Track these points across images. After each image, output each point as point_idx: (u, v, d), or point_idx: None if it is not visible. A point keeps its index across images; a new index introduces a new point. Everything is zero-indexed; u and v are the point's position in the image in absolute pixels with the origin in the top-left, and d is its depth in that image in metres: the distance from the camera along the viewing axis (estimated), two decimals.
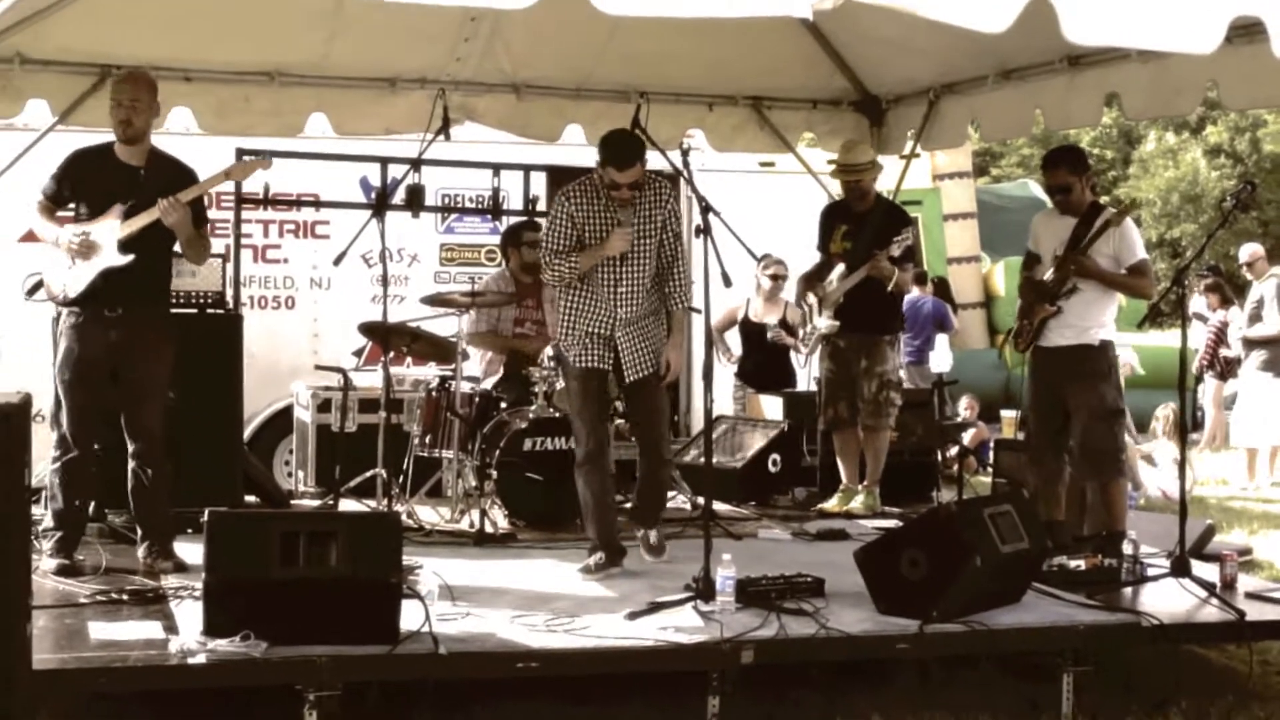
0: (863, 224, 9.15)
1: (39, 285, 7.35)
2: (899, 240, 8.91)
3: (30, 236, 7.68)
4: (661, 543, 7.49)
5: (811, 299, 9.35)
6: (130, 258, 6.92)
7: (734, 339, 11.73)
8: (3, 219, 10.06)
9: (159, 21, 8.06)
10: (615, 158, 7.05)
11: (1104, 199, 8.16)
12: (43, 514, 7.06)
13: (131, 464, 7.10)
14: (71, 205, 7.11)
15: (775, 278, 11.38)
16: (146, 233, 6.93)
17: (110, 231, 6.90)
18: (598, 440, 7.28)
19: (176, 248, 7.18)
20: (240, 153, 8.13)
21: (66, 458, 6.97)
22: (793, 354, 11.43)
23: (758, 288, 11.43)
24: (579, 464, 7.30)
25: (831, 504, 9.34)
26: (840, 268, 9.15)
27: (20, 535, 5.02)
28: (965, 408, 14.33)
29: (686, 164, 7.22)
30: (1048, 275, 7.90)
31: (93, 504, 7.62)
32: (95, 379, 6.99)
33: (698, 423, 11.09)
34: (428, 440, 8.67)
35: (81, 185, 7.05)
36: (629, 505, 7.72)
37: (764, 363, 11.47)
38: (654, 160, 7.68)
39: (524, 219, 9.65)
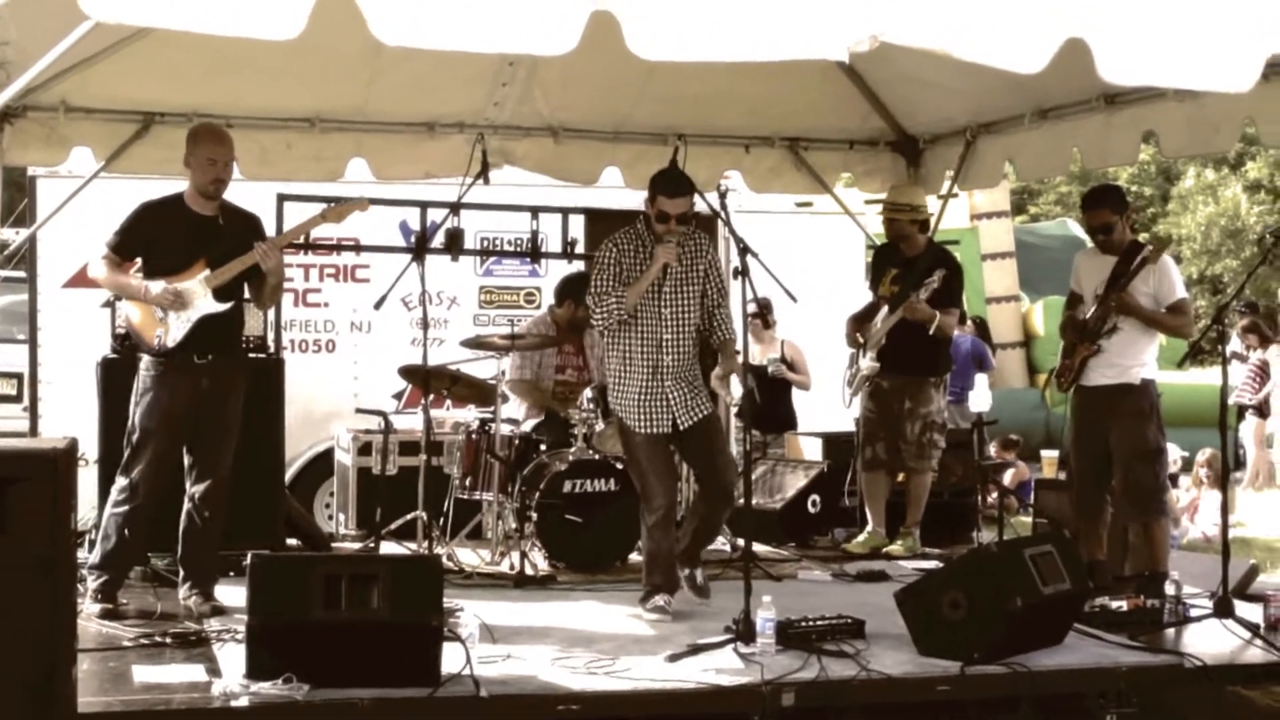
0: (910, 268, 9.15)
1: (128, 335, 7.41)
2: (927, 283, 8.90)
3: (81, 282, 7.72)
4: (706, 583, 7.47)
5: (859, 339, 9.34)
6: (229, 304, 7.04)
7: (734, 384, 11.62)
8: (48, 265, 10.20)
9: (201, 69, 8.13)
10: (666, 188, 7.18)
11: (1142, 236, 8.14)
12: (87, 556, 7.12)
13: (188, 505, 7.14)
14: (139, 258, 7.14)
15: (753, 316, 11.23)
16: (232, 280, 7.05)
17: (201, 280, 6.98)
18: (669, 498, 7.31)
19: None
20: (331, 199, 8.08)
21: (132, 505, 6.99)
22: (795, 390, 11.39)
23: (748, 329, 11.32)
24: (655, 523, 7.25)
25: (856, 543, 9.31)
26: (885, 310, 9.15)
27: (66, 579, 5.08)
28: (995, 454, 14.25)
29: (724, 205, 7.28)
30: (1089, 314, 7.89)
31: None
32: (180, 428, 7.04)
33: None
34: (468, 483, 8.69)
35: (156, 238, 7.07)
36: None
37: (765, 403, 11.42)
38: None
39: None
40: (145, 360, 7.08)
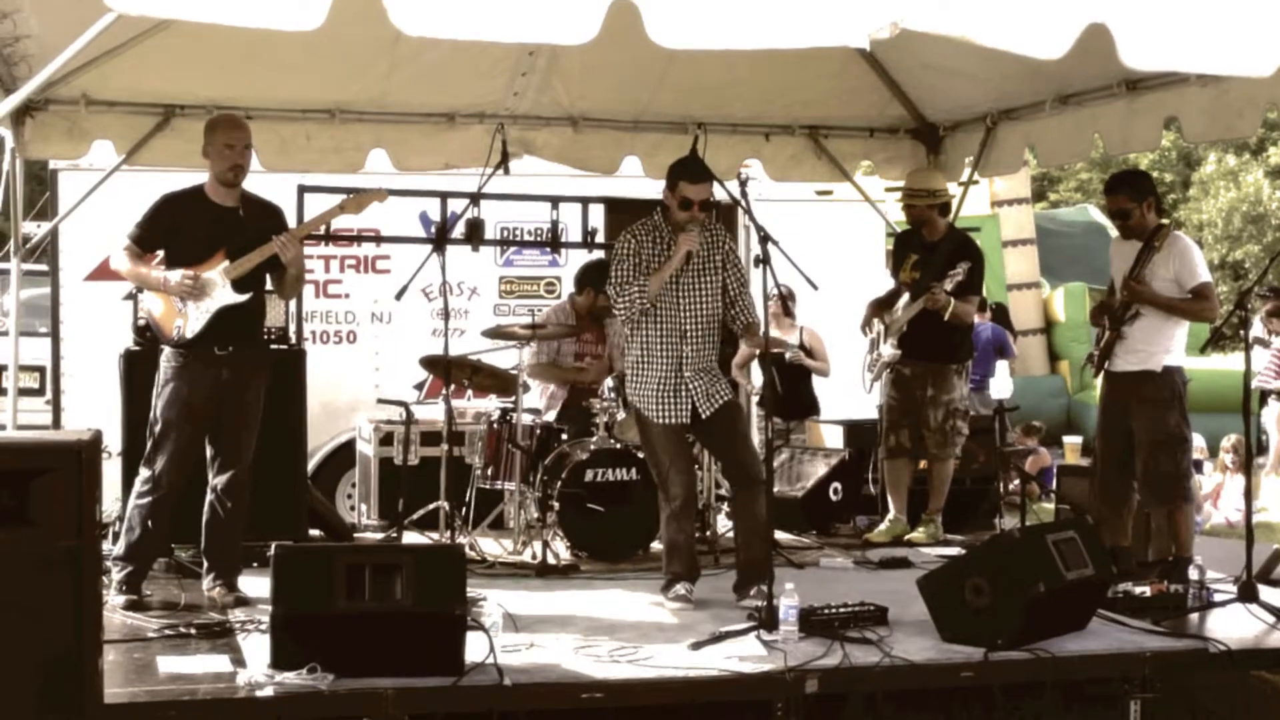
0: (932, 254, 9.14)
1: (148, 327, 7.44)
2: (952, 275, 8.89)
3: (102, 275, 7.73)
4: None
5: (878, 325, 9.33)
6: (248, 296, 7.05)
7: (754, 372, 11.58)
8: (70, 258, 10.24)
9: (221, 61, 8.15)
10: (688, 174, 7.20)
11: (1165, 221, 8.11)
12: (111, 547, 7.14)
13: (211, 496, 7.17)
14: (160, 250, 7.15)
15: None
16: (252, 271, 7.06)
17: (221, 272, 7.00)
18: (688, 489, 7.35)
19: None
20: (350, 190, 8.09)
21: (155, 496, 7.01)
22: (815, 377, 11.38)
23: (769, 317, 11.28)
24: (674, 514, 7.29)
25: (878, 532, 9.31)
26: (906, 296, 9.14)
27: (92, 570, 5.10)
28: (1017, 440, 14.23)
29: (745, 194, 7.25)
30: (1115, 300, 7.89)
31: None
32: (201, 419, 7.06)
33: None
34: (490, 472, 8.71)
35: (177, 229, 7.09)
36: (735, 577, 7.40)
37: (787, 390, 11.38)
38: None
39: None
40: (166, 352, 7.10)
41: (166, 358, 7.09)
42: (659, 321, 7.25)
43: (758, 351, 11.08)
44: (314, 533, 8.56)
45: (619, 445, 8.51)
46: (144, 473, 7.07)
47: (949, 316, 8.92)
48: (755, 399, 11.48)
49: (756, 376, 11.52)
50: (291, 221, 7.69)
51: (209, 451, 7.17)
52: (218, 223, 7.09)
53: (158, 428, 7.04)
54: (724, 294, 7.34)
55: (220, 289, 7.00)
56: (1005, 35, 5.37)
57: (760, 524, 7.16)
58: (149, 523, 7.03)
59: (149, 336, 7.59)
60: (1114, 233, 8.51)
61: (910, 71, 9.62)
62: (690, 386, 7.24)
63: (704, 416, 7.27)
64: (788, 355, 11.15)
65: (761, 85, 9.18)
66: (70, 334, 10.31)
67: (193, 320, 6.99)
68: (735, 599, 7.16)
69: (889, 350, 9.19)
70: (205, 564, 7.26)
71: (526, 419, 8.77)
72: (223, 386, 7.06)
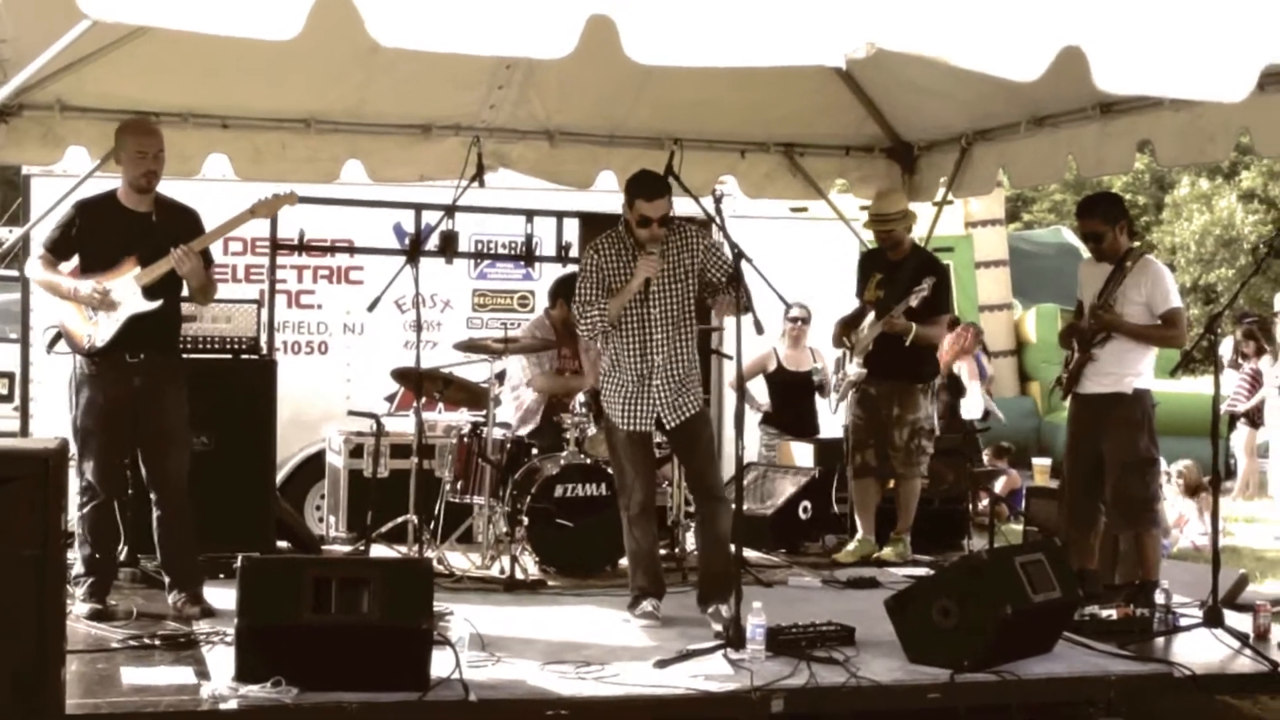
0: (896, 273, 9.16)
1: (59, 337, 7.38)
2: (917, 291, 8.91)
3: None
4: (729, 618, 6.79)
5: (845, 345, 9.35)
6: (159, 303, 6.98)
7: (758, 388, 11.59)
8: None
9: (197, 69, 8.12)
10: (643, 190, 7.14)
11: (1136, 244, 8.13)
12: (73, 559, 7.10)
13: (156, 513, 7.13)
14: (74, 256, 7.11)
15: (796, 320, 11.23)
16: (165, 278, 7.01)
17: (131, 279, 6.94)
18: (647, 493, 7.34)
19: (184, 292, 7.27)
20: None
21: (93, 504, 7.00)
22: (818, 398, 11.40)
23: (784, 334, 11.35)
24: (633, 518, 7.31)
25: (846, 552, 9.28)
26: (871, 316, 9.15)
27: (55, 580, 5.07)
28: (987, 461, 14.26)
29: (719, 210, 7.25)
30: (1085, 323, 7.91)
31: (125, 549, 7.65)
32: (119, 426, 7.01)
33: (728, 469, 11.06)
34: (459, 486, 8.68)
35: (90, 236, 7.05)
36: (697, 583, 7.43)
37: (795, 408, 11.40)
38: (687, 206, 7.74)
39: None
40: (78, 360, 7.06)
41: (79, 365, 7.05)
42: (627, 333, 7.24)
43: (769, 368, 11.18)
44: (281, 544, 8.52)
45: (589, 461, 8.50)
46: (78, 484, 7.02)
47: (910, 341, 8.95)
48: (759, 416, 11.49)
49: (761, 393, 11.53)
50: (265, 231, 7.66)
51: (143, 470, 7.14)
52: (130, 228, 7.04)
53: (79, 436, 7.01)
54: (706, 289, 7.26)
55: (131, 297, 6.94)
56: (981, 57, 5.37)
57: (721, 538, 7.19)
58: (96, 532, 7.01)
59: (60, 349, 7.49)
60: (1086, 255, 8.53)
61: (886, 91, 9.64)
62: (657, 396, 7.23)
63: (669, 426, 7.27)
64: (816, 376, 11.16)
65: (737, 102, 9.18)
66: (40, 341, 10.25)
67: (103, 328, 6.94)
68: (700, 610, 7.16)
69: (854, 370, 9.21)
70: (166, 578, 7.21)
71: (497, 433, 8.76)
72: (136, 394, 7.00)
